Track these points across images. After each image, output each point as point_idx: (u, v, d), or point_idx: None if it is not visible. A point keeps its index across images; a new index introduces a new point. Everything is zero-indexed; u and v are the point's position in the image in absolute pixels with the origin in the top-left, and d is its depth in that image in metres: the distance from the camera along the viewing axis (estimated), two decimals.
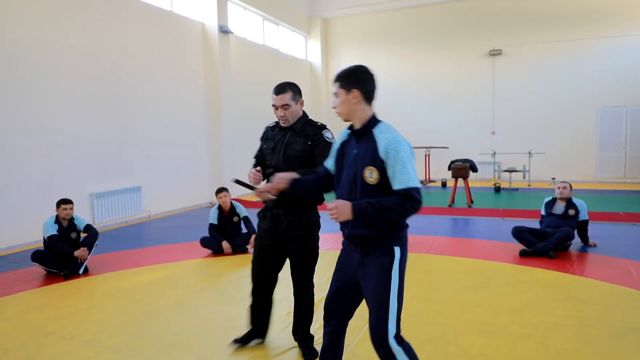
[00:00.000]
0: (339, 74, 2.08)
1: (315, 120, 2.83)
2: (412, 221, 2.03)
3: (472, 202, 8.82)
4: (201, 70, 9.77)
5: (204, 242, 5.59)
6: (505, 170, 11.51)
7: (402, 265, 2.03)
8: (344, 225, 2.08)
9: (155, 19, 8.54)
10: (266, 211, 2.84)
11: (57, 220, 4.89)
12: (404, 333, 2.07)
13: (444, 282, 4.28)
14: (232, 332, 3.16)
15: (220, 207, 5.61)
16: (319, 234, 2.86)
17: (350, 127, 2.13)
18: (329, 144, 2.70)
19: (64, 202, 4.91)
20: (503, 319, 3.37)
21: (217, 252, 5.51)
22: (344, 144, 2.16)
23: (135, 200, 8.00)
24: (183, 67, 9.26)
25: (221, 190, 5.64)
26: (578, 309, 3.54)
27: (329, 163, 2.27)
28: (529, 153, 11.85)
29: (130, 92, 7.98)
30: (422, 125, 13.64)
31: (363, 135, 2.04)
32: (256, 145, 2.99)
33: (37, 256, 4.75)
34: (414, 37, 13.71)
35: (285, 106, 2.69)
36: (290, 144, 2.73)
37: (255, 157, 2.95)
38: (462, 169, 8.65)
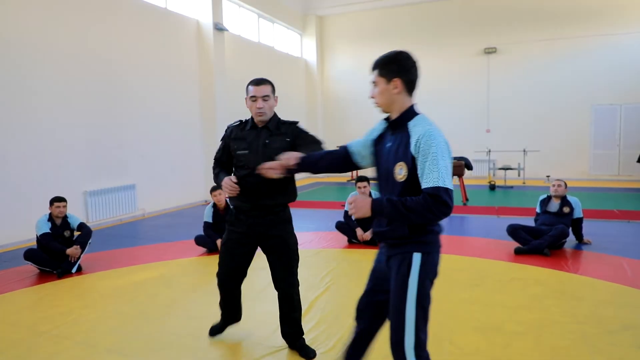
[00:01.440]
0: (378, 61, 1.89)
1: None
2: None
3: (467, 199, 8.84)
4: (196, 67, 9.72)
5: (199, 241, 5.57)
6: (500, 168, 11.55)
7: (424, 274, 1.84)
8: (372, 221, 1.94)
9: (149, 16, 8.48)
10: (239, 214, 2.73)
11: (50, 218, 4.84)
12: None
13: (438, 279, 4.22)
14: (228, 331, 3.14)
15: (215, 205, 5.58)
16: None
17: (387, 118, 1.96)
18: (307, 132, 2.72)
19: (57, 199, 4.87)
20: (498, 317, 3.37)
21: (212, 250, 5.48)
22: (380, 136, 1.99)
23: (129, 199, 7.96)
24: (177, 65, 9.21)
25: (216, 188, 5.60)
26: (572, 306, 3.55)
27: (353, 145, 2.10)
28: (524, 151, 11.89)
29: (124, 90, 7.93)
30: None
31: (398, 127, 1.88)
32: None
33: (29, 255, 4.71)
34: (409, 35, 13.70)
35: (265, 97, 2.60)
36: (268, 143, 2.62)
37: (217, 159, 2.84)
38: (457, 166, 8.65)
